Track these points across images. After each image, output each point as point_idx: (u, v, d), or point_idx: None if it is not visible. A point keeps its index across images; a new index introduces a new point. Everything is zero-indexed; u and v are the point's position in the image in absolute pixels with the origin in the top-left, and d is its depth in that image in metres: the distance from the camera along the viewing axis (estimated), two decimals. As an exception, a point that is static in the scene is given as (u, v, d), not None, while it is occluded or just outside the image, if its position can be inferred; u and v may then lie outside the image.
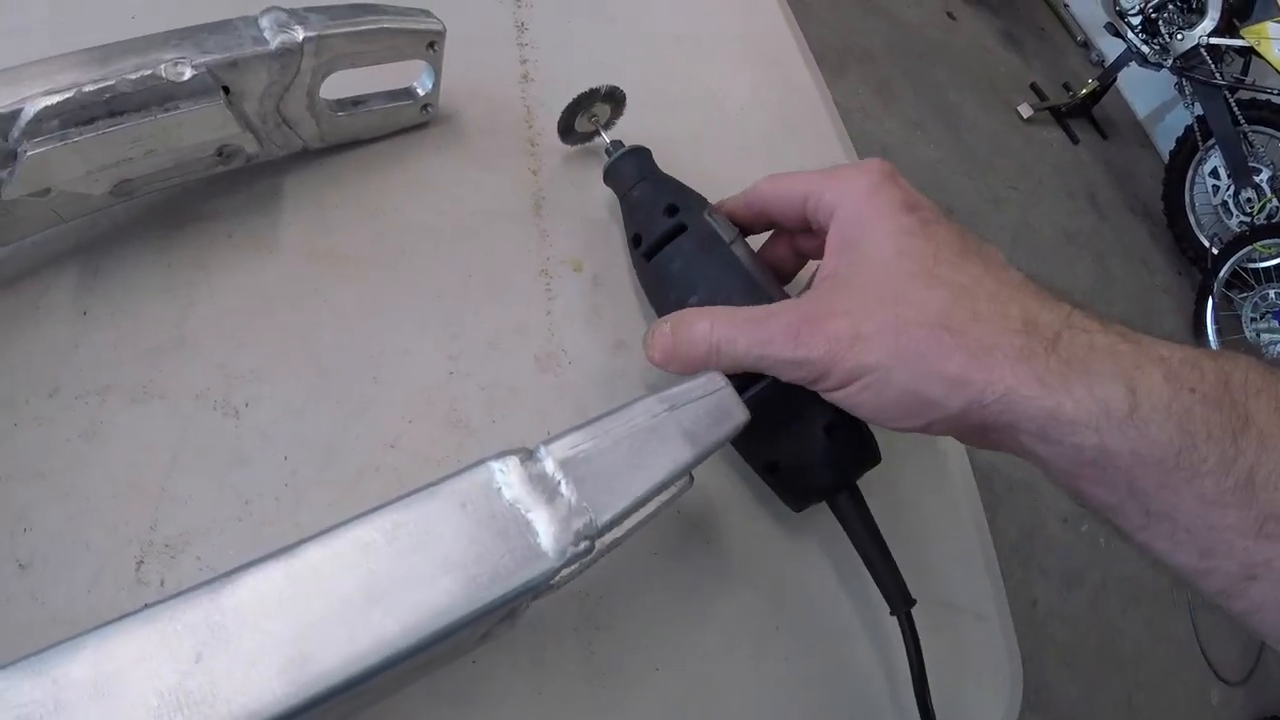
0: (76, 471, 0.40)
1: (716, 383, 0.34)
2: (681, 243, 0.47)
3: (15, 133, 0.40)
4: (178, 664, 0.24)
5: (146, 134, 0.42)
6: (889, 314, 0.36)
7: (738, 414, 0.34)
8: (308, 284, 0.47)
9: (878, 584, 0.43)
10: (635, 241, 0.49)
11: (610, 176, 0.53)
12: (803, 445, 0.43)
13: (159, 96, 0.42)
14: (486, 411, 0.45)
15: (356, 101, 0.51)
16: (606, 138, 0.54)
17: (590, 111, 0.54)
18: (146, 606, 0.25)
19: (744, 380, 0.39)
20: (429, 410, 0.45)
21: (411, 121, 0.54)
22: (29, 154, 0.40)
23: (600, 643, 0.42)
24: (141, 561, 0.39)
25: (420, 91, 0.53)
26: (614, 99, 0.54)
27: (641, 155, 0.52)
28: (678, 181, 0.51)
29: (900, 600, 0.42)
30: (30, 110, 0.39)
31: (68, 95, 0.40)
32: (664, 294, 0.48)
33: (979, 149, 3.14)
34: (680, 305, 0.45)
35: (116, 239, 0.47)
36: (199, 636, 0.25)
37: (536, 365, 0.48)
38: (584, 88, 0.52)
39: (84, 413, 0.42)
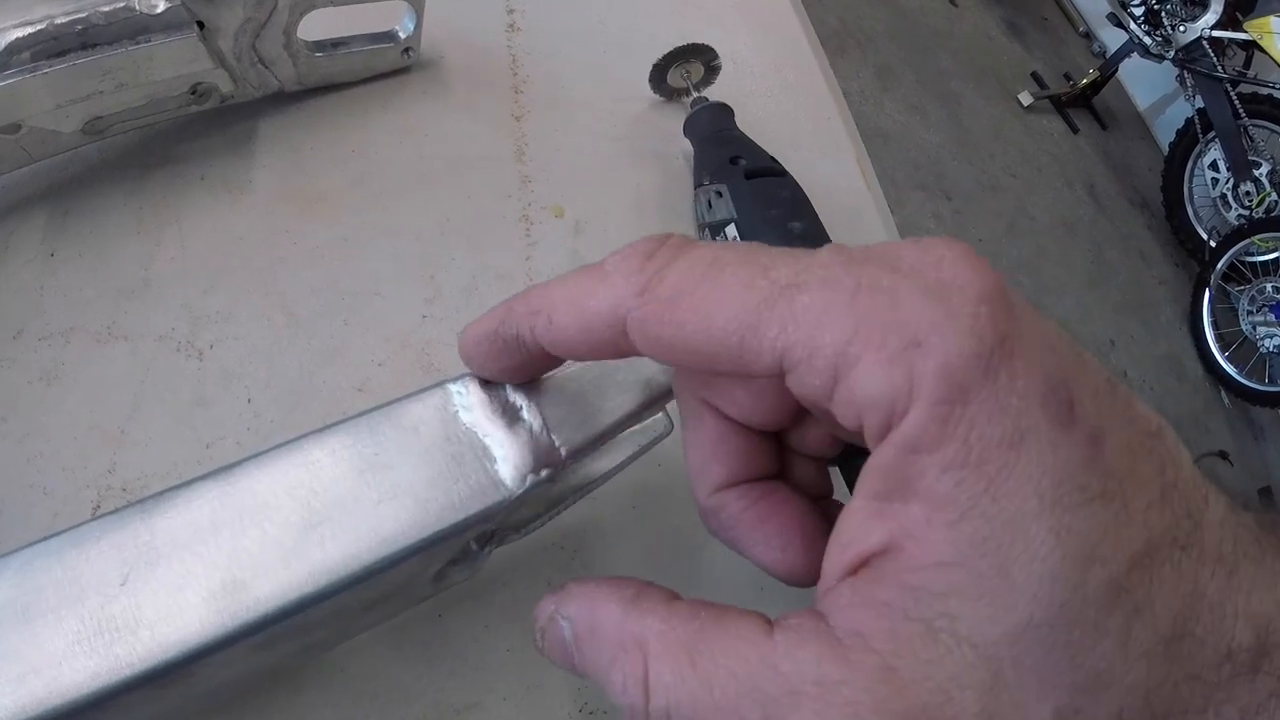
0: (36, 414, 0.39)
1: None
2: (786, 181, 0.50)
3: (-15, 65, 0.39)
4: (103, 587, 0.23)
5: (118, 66, 0.41)
6: (1061, 702, 0.19)
7: None
8: (280, 226, 0.46)
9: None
10: (733, 160, 0.51)
11: (698, 121, 0.55)
12: None
13: (132, 29, 0.41)
14: (459, 357, 0.44)
15: (336, 43, 0.50)
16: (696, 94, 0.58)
17: (685, 67, 0.56)
18: (74, 526, 0.24)
19: None
20: (400, 354, 0.43)
21: (392, 66, 0.53)
22: (-1, 86, 0.39)
23: (574, 597, 0.41)
24: (98, 506, 0.38)
25: (402, 35, 0.52)
26: (709, 62, 0.57)
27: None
28: None
29: None
30: (1, 42, 0.38)
31: (39, 26, 0.39)
32: (763, 209, 0.48)
33: (979, 136, 3.12)
34: (781, 224, 0.47)
35: (87, 180, 0.46)
36: (126, 558, 0.23)
37: (514, 312, 0.46)
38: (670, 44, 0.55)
39: (47, 354, 0.41)
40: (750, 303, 0.21)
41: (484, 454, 0.26)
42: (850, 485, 0.36)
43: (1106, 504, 0.19)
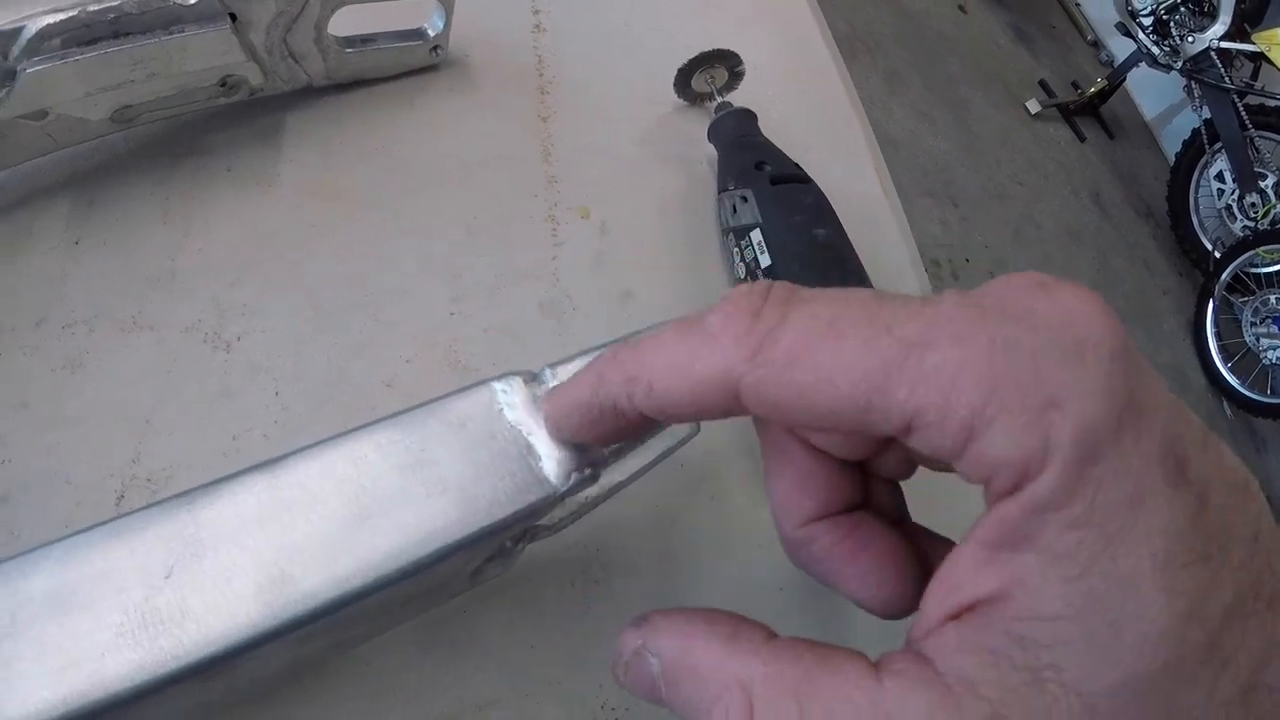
0: (60, 402, 0.39)
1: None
2: (810, 187, 0.51)
3: (15, 51, 0.39)
4: (147, 579, 0.23)
5: (149, 56, 0.41)
6: None
7: None
8: (307, 220, 0.46)
9: None
10: (758, 165, 0.51)
11: (722, 126, 0.56)
12: None
13: (164, 19, 0.41)
14: (487, 354, 0.44)
15: (365, 39, 0.50)
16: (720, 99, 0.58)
17: (709, 73, 0.56)
18: (118, 517, 0.24)
19: None
20: (428, 351, 0.44)
21: (420, 63, 0.53)
22: (28, 72, 0.39)
23: (597, 597, 0.41)
24: (122, 496, 0.38)
25: (431, 33, 0.52)
26: (733, 68, 0.58)
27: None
28: None
29: None
30: (32, 28, 0.38)
31: (71, 14, 0.39)
32: (788, 215, 0.49)
33: (986, 143, 3.12)
34: (805, 230, 0.48)
35: (113, 170, 0.46)
36: (172, 550, 0.23)
37: (540, 310, 0.46)
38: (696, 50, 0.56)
39: (70, 343, 0.41)
40: (876, 364, 0.20)
41: (528, 451, 0.26)
42: None
43: (1206, 564, 0.19)
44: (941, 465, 0.22)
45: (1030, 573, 0.19)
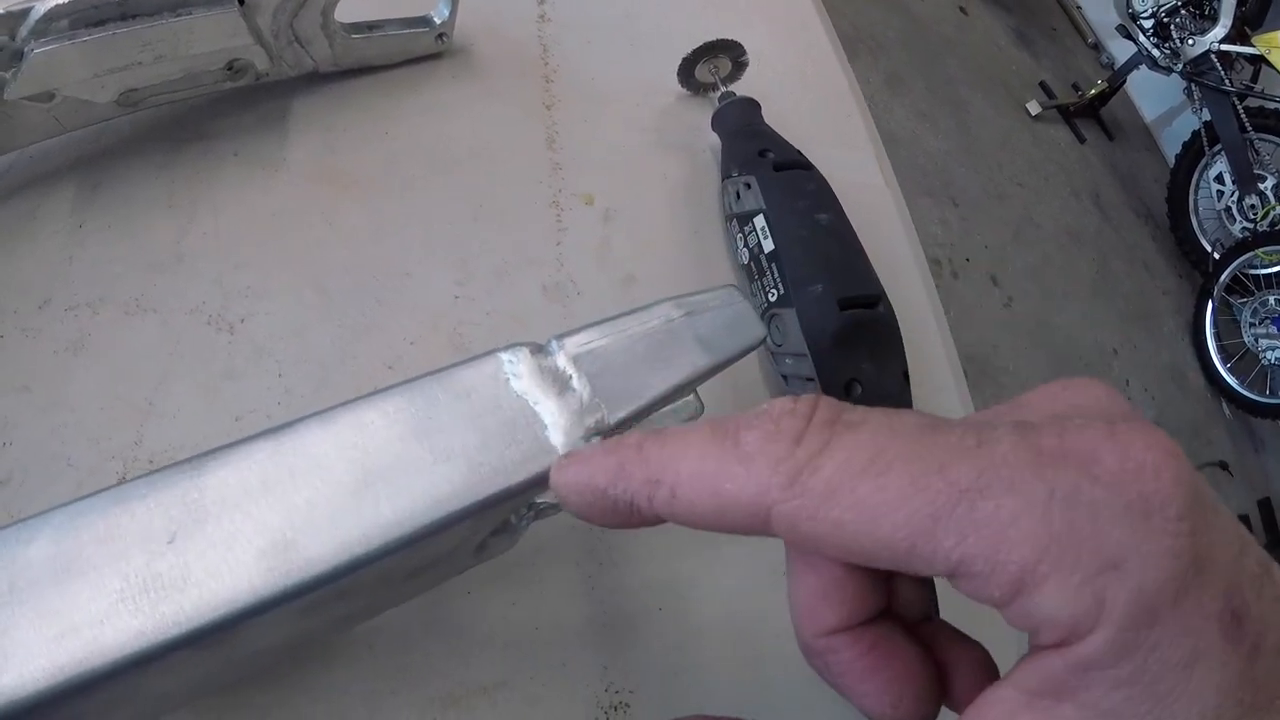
0: (62, 384, 0.39)
1: (735, 297, 0.32)
2: (813, 174, 0.51)
3: (23, 31, 0.39)
4: (148, 544, 0.22)
5: (157, 38, 0.41)
6: None
7: (755, 329, 0.32)
8: (312, 205, 0.46)
9: None
10: (762, 153, 0.51)
11: (726, 114, 0.56)
12: (883, 376, 0.45)
13: (173, 2, 0.41)
14: (491, 337, 0.44)
15: (371, 26, 0.50)
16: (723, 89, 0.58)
17: (712, 62, 0.57)
18: (120, 483, 0.23)
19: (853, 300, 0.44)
20: (432, 334, 0.44)
21: (425, 51, 0.53)
22: (35, 53, 0.39)
23: (602, 578, 0.41)
24: (124, 478, 0.38)
25: (436, 20, 0.52)
26: (736, 58, 0.58)
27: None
28: None
29: None
30: (40, 9, 0.38)
31: (80, -5, 0.39)
32: (791, 201, 0.49)
33: (986, 144, 3.12)
34: (808, 215, 0.48)
35: (119, 153, 0.46)
36: (174, 516, 0.23)
37: (544, 295, 0.47)
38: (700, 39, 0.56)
39: (73, 325, 0.41)
40: (924, 508, 0.19)
41: (534, 420, 0.26)
42: None
43: (1256, 713, 0.18)
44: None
45: None
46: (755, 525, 0.21)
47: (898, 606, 0.26)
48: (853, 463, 0.20)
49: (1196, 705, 0.18)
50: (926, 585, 0.26)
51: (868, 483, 0.19)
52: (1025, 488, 0.18)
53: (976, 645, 0.25)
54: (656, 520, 0.23)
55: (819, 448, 0.20)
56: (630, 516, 0.24)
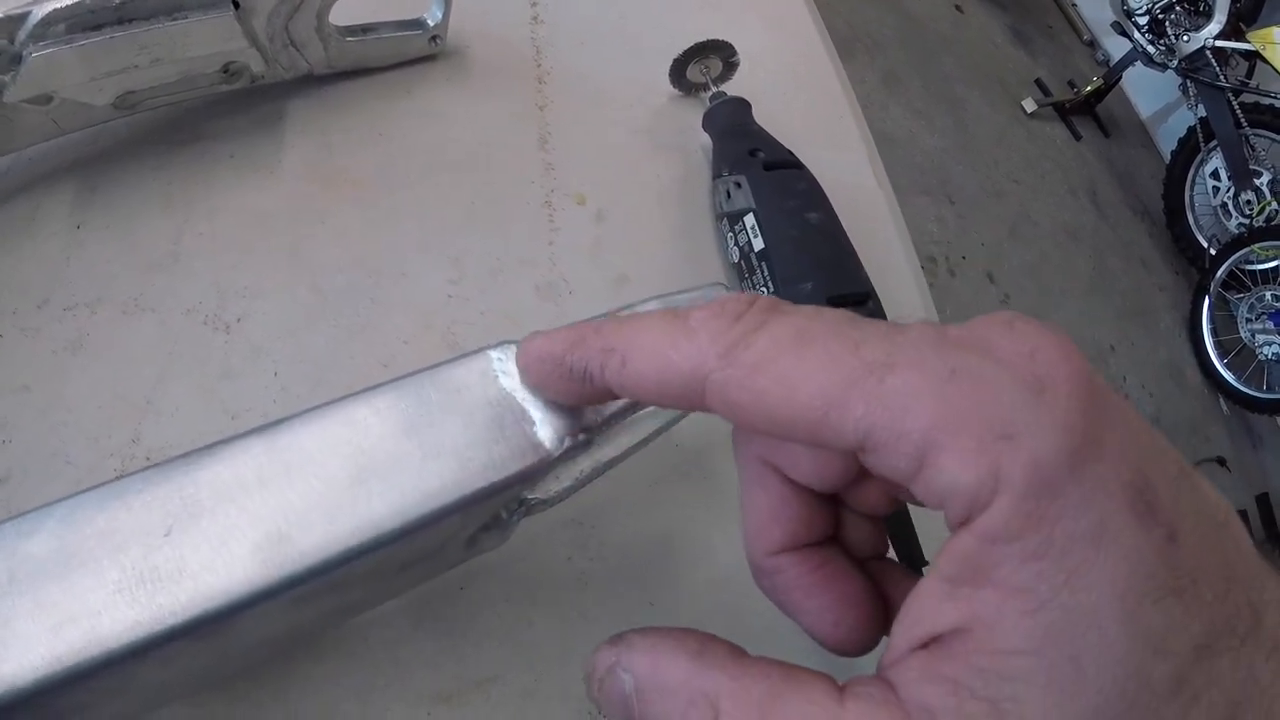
0: (61, 383, 0.40)
1: (721, 293, 0.33)
2: (803, 174, 0.51)
3: (22, 35, 0.39)
4: (145, 538, 0.23)
5: (153, 42, 0.42)
6: None
7: None
8: (307, 206, 0.47)
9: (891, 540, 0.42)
10: (752, 152, 0.52)
11: (717, 114, 0.56)
12: None
13: (169, 6, 0.42)
14: (484, 336, 0.44)
15: (366, 28, 0.51)
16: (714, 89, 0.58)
17: (704, 63, 0.57)
18: (118, 478, 0.24)
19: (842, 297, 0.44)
20: (426, 333, 0.44)
21: (419, 53, 0.54)
22: (34, 56, 0.39)
23: (594, 574, 0.41)
24: (122, 475, 0.38)
25: (430, 22, 0.53)
26: (727, 59, 0.58)
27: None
28: None
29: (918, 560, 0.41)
30: (39, 13, 0.39)
31: (77, -1, 0.40)
32: (781, 200, 0.49)
33: (983, 141, 3.12)
34: (798, 214, 0.48)
35: (116, 155, 0.47)
36: (170, 510, 0.23)
37: (537, 294, 0.47)
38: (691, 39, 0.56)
39: (72, 325, 0.41)
40: (837, 378, 0.20)
41: (523, 417, 0.27)
42: (892, 536, 0.36)
43: (1177, 599, 0.19)
44: (906, 494, 0.22)
45: (988, 607, 0.19)
46: (693, 396, 0.23)
47: (847, 542, 0.28)
48: (781, 338, 0.21)
49: (1108, 581, 0.18)
50: (875, 523, 0.28)
51: (791, 355, 0.21)
52: (928, 364, 0.20)
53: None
54: (606, 391, 0.25)
55: (755, 326, 0.22)
56: (584, 385, 0.25)
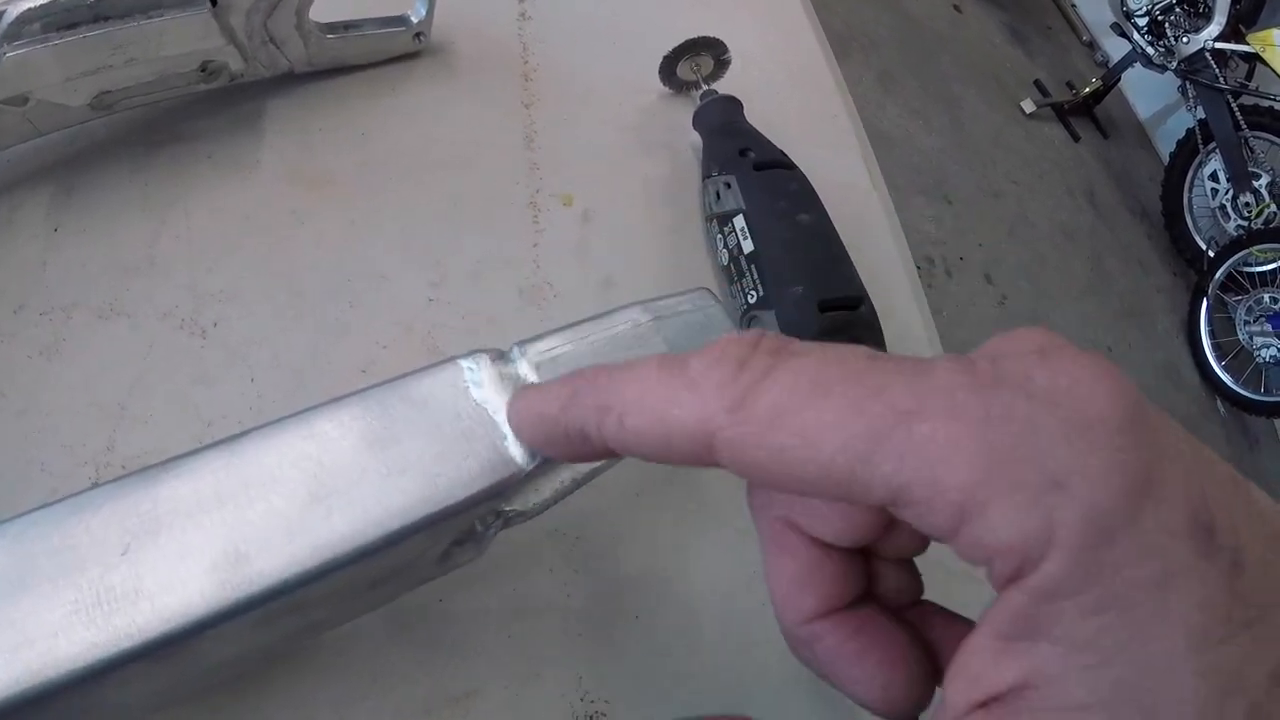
0: (35, 389, 0.39)
1: (707, 300, 0.32)
2: (795, 174, 0.51)
3: (-4, 35, 0.38)
4: (103, 556, 0.22)
5: (129, 40, 0.41)
6: None
7: (727, 333, 0.32)
8: (286, 207, 0.46)
9: None
10: (742, 152, 0.51)
11: (707, 113, 0.56)
12: None
13: (145, 4, 0.41)
14: (466, 340, 0.44)
15: (348, 25, 0.50)
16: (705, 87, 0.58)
17: (694, 60, 0.56)
18: (72, 495, 0.23)
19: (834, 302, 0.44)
20: (406, 337, 0.43)
21: (403, 50, 0.53)
22: (8, 56, 0.39)
23: (577, 585, 0.40)
24: (96, 483, 0.37)
25: (414, 19, 0.52)
26: (719, 56, 0.58)
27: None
28: None
29: None
30: (12, 12, 0.38)
31: (52, -1, 0.39)
32: (772, 201, 0.49)
33: (980, 141, 3.11)
34: (789, 216, 0.48)
35: (93, 157, 0.46)
36: (128, 527, 0.23)
37: (521, 297, 0.46)
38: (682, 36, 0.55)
39: (47, 329, 0.40)
40: (862, 430, 0.18)
41: (494, 430, 0.26)
42: None
43: (1248, 631, 0.18)
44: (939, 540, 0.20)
45: (1050, 662, 0.18)
46: (700, 453, 0.21)
47: (881, 592, 0.25)
48: (796, 388, 0.19)
49: (1180, 626, 0.17)
50: (909, 567, 0.26)
51: (809, 407, 0.19)
52: (962, 410, 0.18)
53: (966, 622, 0.24)
54: (606, 451, 0.23)
55: (763, 374, 0.20)
56: (581, 446, 0.23)
